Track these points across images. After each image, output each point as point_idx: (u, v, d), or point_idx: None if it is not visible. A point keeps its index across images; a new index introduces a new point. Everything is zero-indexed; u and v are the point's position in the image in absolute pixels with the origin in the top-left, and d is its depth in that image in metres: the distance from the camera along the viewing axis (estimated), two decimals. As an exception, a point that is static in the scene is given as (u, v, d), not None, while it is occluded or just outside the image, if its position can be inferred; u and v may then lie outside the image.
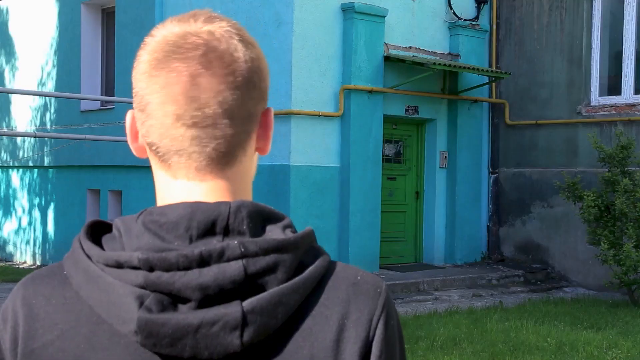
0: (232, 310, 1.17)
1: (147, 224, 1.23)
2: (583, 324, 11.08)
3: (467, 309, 12.15)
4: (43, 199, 18.19)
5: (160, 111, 1.26)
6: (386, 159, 15.02)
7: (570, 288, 14.92)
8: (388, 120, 14.82)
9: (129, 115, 1.35)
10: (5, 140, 19.11)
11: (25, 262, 18.33)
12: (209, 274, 1.18)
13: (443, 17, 15.67)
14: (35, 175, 18.48)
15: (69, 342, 1.22)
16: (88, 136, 13.61)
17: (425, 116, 15.52)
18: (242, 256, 1.19)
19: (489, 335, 10.16)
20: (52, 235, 17.78)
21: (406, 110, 15.13)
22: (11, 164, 18.92)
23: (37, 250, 18.10)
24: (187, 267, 1.18)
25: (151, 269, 1.18)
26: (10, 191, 19.18)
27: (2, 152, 19.22)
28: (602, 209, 13.07)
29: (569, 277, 15.27)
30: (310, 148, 13.69)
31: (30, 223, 18.49)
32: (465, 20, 15.86)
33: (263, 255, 1.21)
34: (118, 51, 16.12)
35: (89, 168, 16.95)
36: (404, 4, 14.96)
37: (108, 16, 17.33)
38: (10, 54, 19.29)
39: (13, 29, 19.23)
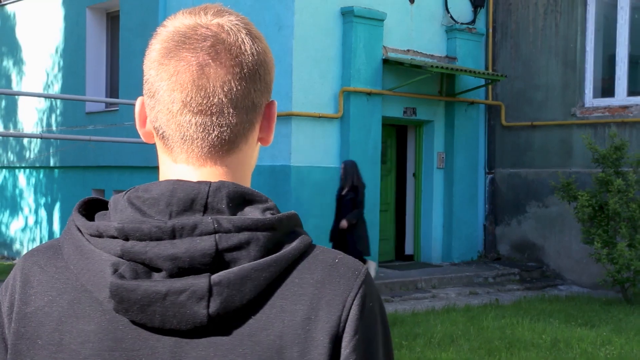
0: (200, 281, 1.20)
1: (132, 199, 1.28)
2: (577, 321, 11.21)
3: (464, 307, 12.25)
4: (49, 198, 18.24)
5: (169, 98, 1.30)
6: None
7: (565, 286, 15.03)
8: (384, 122, 14.98)
9: (138, 101, 1.39)
10: (12, 141, 19.14)
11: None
12: (181, 246, 1.21)
13: (440, 20, 15.82)
14: (41, 175, 18.54)
15: (55, 308, 1.27)
16: (93, 137, 13.60)
17: (423, 118, 15.67)
18: (215, 232, 1.22)
19: (485, 332, 10.28)
20: (58, 234, 17.67)
21: (404, 112, 15.28)
22: (18, 165, 18.94)
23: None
24: (159, 238, 1.22)
25: (126, 238, 1.23)
26: (17, 191, 19.22)
27: (9, 152, 19.26)
28: (596, 208, 13.18)
29: (564, 276, 15.38)
30: (311, 149, 13.81)
31: (36, 222, 18.53)
32: (462, 23, 16.00)
33: (236, 232, 1.23)
34: (122, 54, 16.17)
35: (93, 168, 17.01)
36: (402, 8, 15.10)
37: (113, 20, 17.36)
38: (17, 57, 19.28)
39: (20, 33, 19.24)
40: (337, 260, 1.31)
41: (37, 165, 18.43)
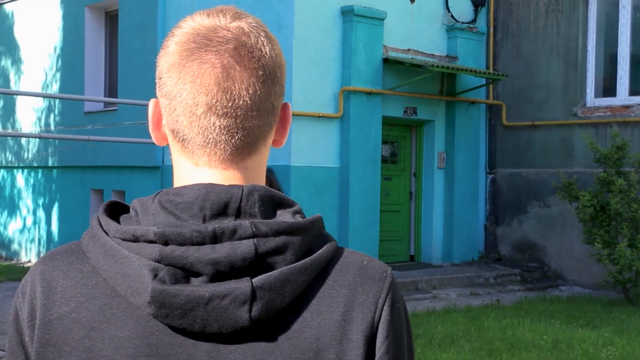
0: (242, 285, 1.21)
1: (163, 203, 1.28)
2: (579, 322, 11.19)
3: (465, 307, 12.24)
4: (47, 198, 18.22)
5: (192, 100, 1.29)
6: (382, 160, 15.16)
7: (566, 286, 15.01)
8: (385, 121, 14.95)
9: (152, 103, 1.39)
10: (10, 141, 19.14)
11: (30, 261, 18.42)
12: (222, 250, 1.22)
13: (441, 20, 15.80)
14: (39, 175, 18.51)
15: (84, 314, 1.26)
16: (91, 137, 13.63)
17: (424, 117, 15.65)
18: (253, 236, 1.24)
19: (486, 333, 10.26)
20: (56, 235, 17.84)
21: (405, 112, 15.26)
22: (16, 165, 18.93)
23: (41, 249, 18.18)
24: (200, 243, 1.22)
25: (166, 243, 1.23)
26: (15, 191, 19.19)
27: (7, 152, 19.25)
28: (598, 208, 13.16)
29: (565, 276, 15.37)
30: (311, 149, 13.79)
31: (34, 222, 18.51)
32: (463, 23, 15.97)
33: (273, 236, 1.25)
34: (121, 53, 16.17)
35: (92, 168, 17.00)
36: (403, 7, 15.08)
37: (111, 19, 17.35)
38: (15, 56, 19.28)
39: (18, 33, 19.23)
40: (366, 262, 1.35)
41: (36, 165, 18.43)
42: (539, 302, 13.05)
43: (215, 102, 1.29)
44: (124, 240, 1.26)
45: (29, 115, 18.74)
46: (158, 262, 1.23)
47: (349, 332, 1.27)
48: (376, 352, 1.29)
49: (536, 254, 15.85)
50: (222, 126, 1.30)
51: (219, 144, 1.31)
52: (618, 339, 9.96)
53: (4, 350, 9.06)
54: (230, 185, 1.29)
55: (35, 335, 1.28)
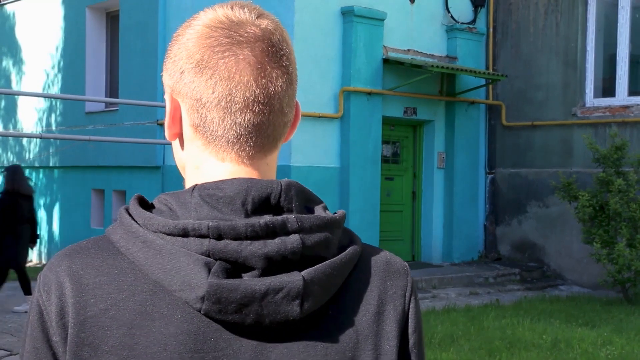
0: (294, 278, 1.22)
1: (204, 198, 1.26)
2: (578, 322, 11.20)
3: (465, 307, 12.25)
4: (48, 198, 18.26)
5: (228, 96, 1.28)
6: (384, 160, 15.21)
7: (566, 286, 15.03)
8: (386, 121, 14.99)
9: (168, 98, 1.36)
10: (11, 141, 19.19)
11: (30, 261, 18.42)
12: (273, 245, 1.22)
13: (441, 20, 15.83)
14: (40, 175, 18.55)
15: (123, 311, 1.22)
16: (92, 137, 13.62)
17: (424, 117, 15.67)
18: (299, 230, 1.25)
19: (486, 332, 10.27)
20: (58, 234, 17.87)
21: (405, 112, 15.28)
22: (17, 165, 19.01)
23: (42, 249, 18.20)
24: (253, 237, 1.22)
25: (219, 237, 1.21)
26: (17, 191, 19.26)
27: (9, 153, 19.28)
28: (597, 208, 13.17)
29: (564, 276, 15.39)
30: (311, 149, 13.82)
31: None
32: (462, 23, 16.01)
33: (316, 231, 1.26)
34: (122, 54, 16.18)
35: (93, 168, 17.03)
36: (403, 8, 15.11)
37: (112, 19, 17.37)
38: (16, 57, 19.31)
39: (19, 33, 19.27)
40: (389, 257, 1.41)
41: (37, 165, 18.44)
42: (539, 301, 13.06)
43: (253, 99, 1.29)
44: (169, 234, 1.23)
45: (30, 116, 18.77)
46: (207, 256, 1.21)
47: (383, 324, 1.32)
48: (409, 341, 1.36)
49: (536, 254, 15.86)
50: (255, 122, 1.30)
51: (249, 141, 1.31)
52: (617, 338, 9.98)
53: (5, 350, 9.02)
54: (269, 180, 1.29)
55: (69, 335, 1.23)
